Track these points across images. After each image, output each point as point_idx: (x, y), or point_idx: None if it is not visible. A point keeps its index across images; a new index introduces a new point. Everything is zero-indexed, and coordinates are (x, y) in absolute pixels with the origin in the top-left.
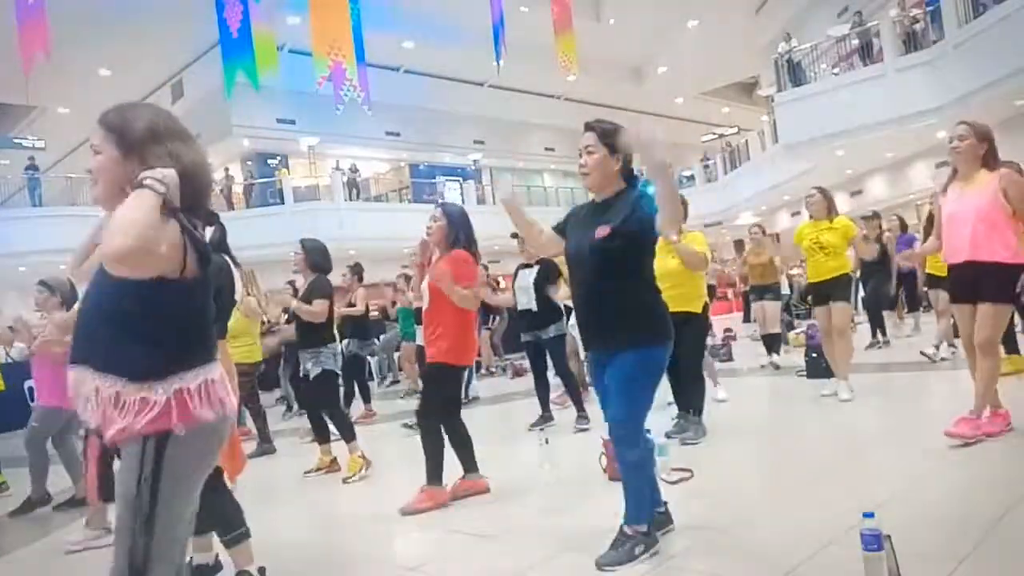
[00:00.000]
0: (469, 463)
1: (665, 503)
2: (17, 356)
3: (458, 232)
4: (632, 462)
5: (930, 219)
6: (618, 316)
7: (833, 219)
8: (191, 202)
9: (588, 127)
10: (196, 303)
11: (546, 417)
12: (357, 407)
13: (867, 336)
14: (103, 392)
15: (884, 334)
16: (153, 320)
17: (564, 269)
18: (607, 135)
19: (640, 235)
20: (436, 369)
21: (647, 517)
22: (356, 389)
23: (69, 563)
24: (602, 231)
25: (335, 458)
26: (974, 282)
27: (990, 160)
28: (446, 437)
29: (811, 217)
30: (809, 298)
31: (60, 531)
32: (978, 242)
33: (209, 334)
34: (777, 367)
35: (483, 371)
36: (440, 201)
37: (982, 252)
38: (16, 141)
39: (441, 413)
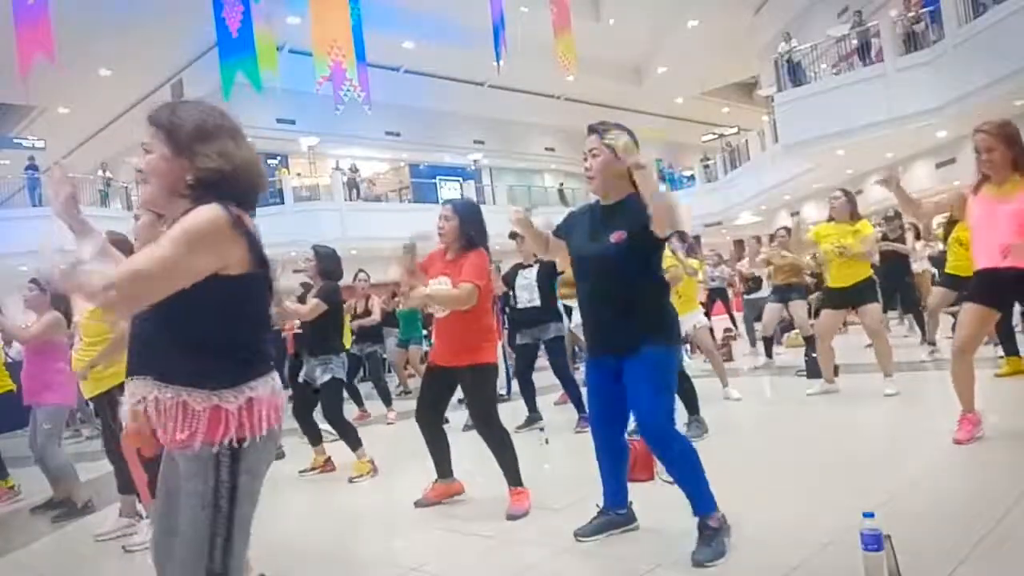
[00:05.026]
0: (446, 466)
1: (630, 503)
2: (16, 356)
3: (472, 230)
4: (677, 456)
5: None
6: (638, 318)
7: (856, 223)
8: (242, 200)
9: (592, 129)
10: (256, 304)
11: (533, 418)
12: (352, 410)
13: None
14: (166, 402)
15: (923, 331)
16: (217, 325)
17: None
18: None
19: (652, 240)
20: (482, 371)
21: (714, 502)
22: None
23: (71, 563)
24: (618, 236)
25: (328, 457)
26: (1018, 288)
27: (1021, 160)
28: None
29: (831, 219)
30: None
31: (56, 532)
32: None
33: (265, 339)
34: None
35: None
36: (449, 199)
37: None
38: (16, 141)
39: (496, 414)
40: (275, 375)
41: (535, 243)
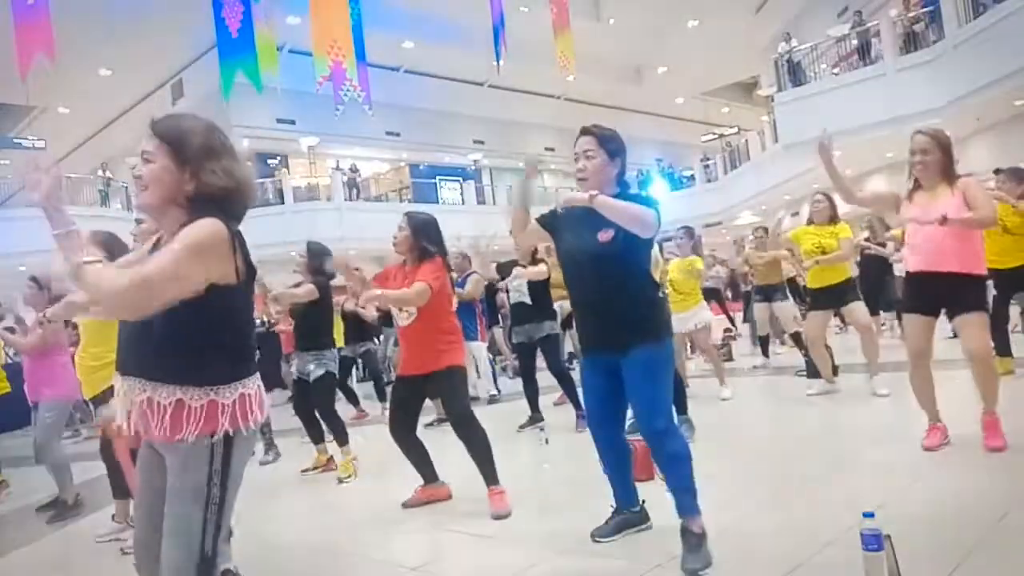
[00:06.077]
0: (430, 472)
1: (643, 501)
2: (16, 357)
3: (424, 241)
4: (674, 453)
5: None
6: (630, 315)
7: (836, 225)
8: (237, 216)
9: (586, 131)
10: (243, 310)
11: (535, 418)
12: (348, 410)
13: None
14: (161, 401)
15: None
16: (212, 328)
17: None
18: (606, 140)
19: (641, 237)
20: (451, 374)
21: (698, 507)
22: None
23: (71, 563)
24: (605, 235)
25: (331, 456)
26: (948, 293)
27: (950, 169)
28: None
29: (812, 222)
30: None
31: (56, 532)
32: (946, 253)
33: (253, 342)
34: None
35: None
36: (407, 212)
37: (952, 263)
38: (16, 141)
39: (472, 413)
40: (258, 376)
41: (520, 211)
